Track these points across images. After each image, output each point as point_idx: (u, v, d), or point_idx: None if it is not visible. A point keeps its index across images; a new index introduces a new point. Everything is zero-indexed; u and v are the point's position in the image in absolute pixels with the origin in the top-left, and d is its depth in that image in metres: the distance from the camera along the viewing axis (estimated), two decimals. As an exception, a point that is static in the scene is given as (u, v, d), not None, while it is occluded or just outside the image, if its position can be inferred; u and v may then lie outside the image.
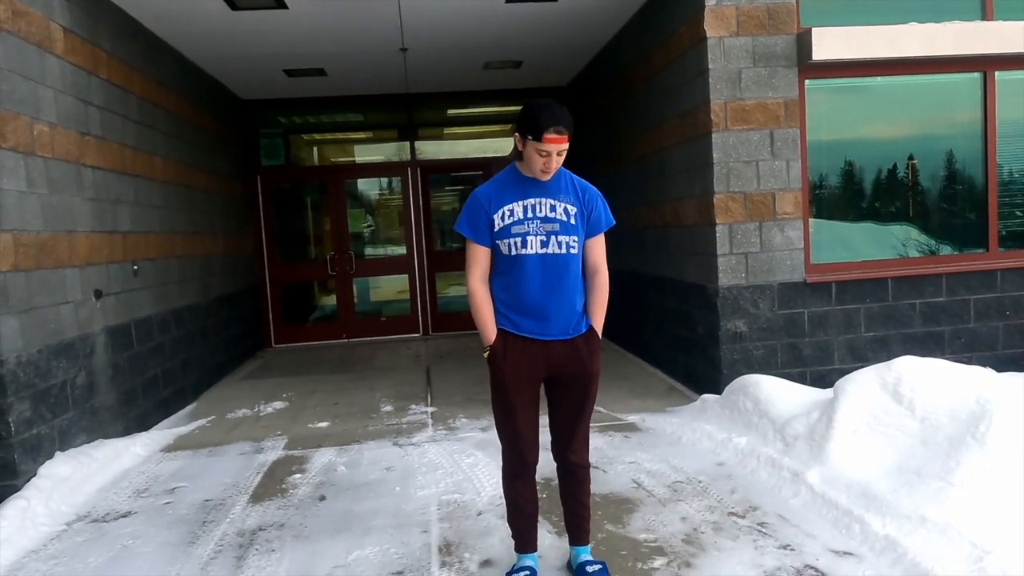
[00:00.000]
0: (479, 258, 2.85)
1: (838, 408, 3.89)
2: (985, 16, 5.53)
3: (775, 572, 2.98)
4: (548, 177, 2.76)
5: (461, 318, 10.13)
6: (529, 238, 2.78)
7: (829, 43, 5.14)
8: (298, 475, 4.48)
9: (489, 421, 5.42)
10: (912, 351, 5.19)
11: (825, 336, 5.46)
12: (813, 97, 5.45)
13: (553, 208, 2.81)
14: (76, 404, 4.75)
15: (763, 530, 3.37)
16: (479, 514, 3.72)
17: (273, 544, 3.50)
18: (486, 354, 2.85)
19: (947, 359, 3.96)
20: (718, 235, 5.32)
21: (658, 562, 3.11)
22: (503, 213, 2.79)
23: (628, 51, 7.06)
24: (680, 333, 6.14)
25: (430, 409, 5.90)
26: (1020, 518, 2.96)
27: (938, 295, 5.57)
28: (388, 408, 6.01)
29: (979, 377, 3.69)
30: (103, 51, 5.43)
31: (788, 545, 3.20)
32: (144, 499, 4.21)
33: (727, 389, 4.95)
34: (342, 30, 6.77)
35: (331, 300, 10.23)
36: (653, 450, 4.57)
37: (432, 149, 10.36)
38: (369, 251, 10.46)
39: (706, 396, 5.22)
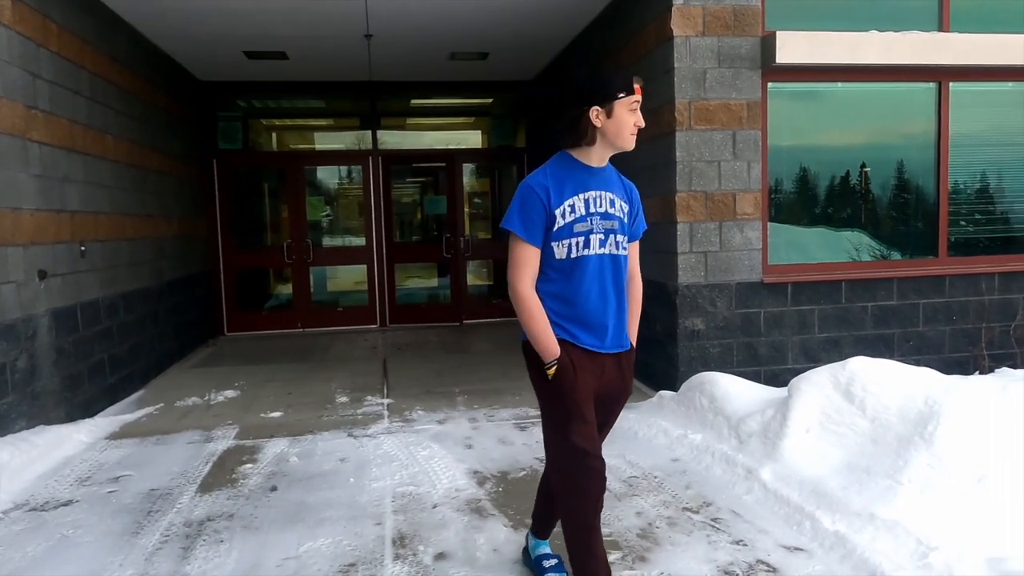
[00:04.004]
0: (530, 260, 2.48)
1: (792, 407, 3.94)
2: (942, 27, 5.67)
3: (728, 567, 3.01)
4: (633, 144, 2.49)
5: (420, 310, 10.07)
6: (592, 237, 2.47)
7: (793, 46, 5.21)
8: (249, 465, 4.38)
9: (447, 413, 5.38)
10: (863, 352, 5.30)
11: (780, 336, 5.55)
12: (775, 100, 5.52)
13: (612, 203, 2.53)
14: (16, 388, 4.57)
15: (716, 525, 3.40)
16: (434, 507, 3.68)
17: (222, 535, 3.41)
18: (551, 370, 2.46)
19: (897, 361, 4.04)
20: (679, 233, 5.36)
21: (613, 556, 3.11)
22: (564, 209, 2.45)
23: (596, 47, 7.06)
24: (640, 330, 6.16)
25: (386, 401, 5.84)
26: (964, 516, 3.04)
27: (889, 299, 5.70)
28: (344, 399, 5.92)
29: (927, 379, 3.78)
30: (54, 23, 5.23)
31: (741, 540, 3.24)
32: (87, 487, 4.07)
33: (684, 386, 4.99)
34: (305, 13, 6.63)
35: (287, 289, 10.06)
36: (610, 446, 4.54)
37: (395, 139, 10.25)
38: (327, 240, 10.30)
39: (663, 393, 5.25)
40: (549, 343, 2.47)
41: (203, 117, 9.24)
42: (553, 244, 2.46)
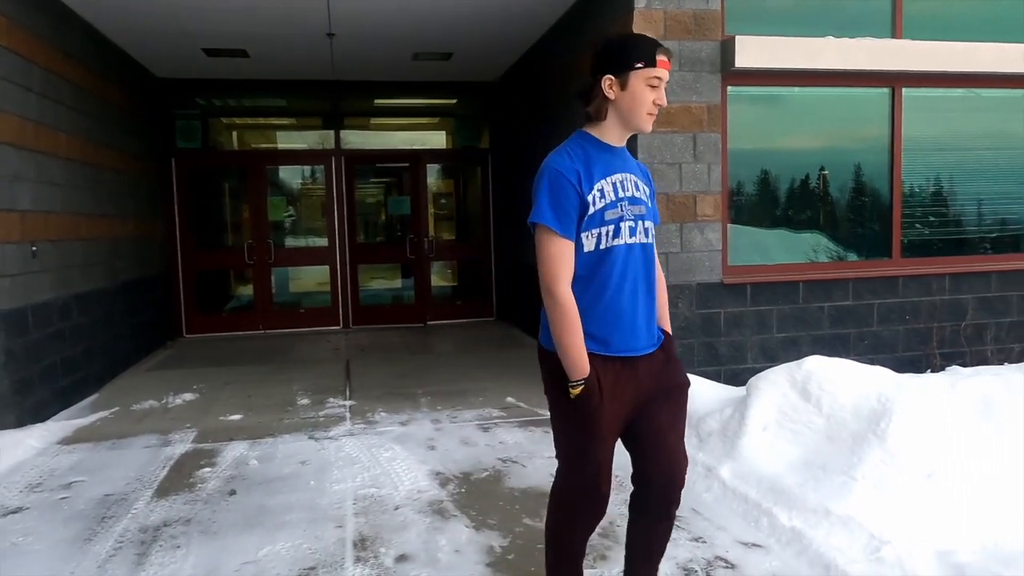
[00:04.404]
0: (567, 257, 2.18)
1: (750, 405, 4.01)
2: (895, 34, 5.81)
3: (687, 564, 3.04)
4: (650, 127, 2.26)
5: (383, 311, 10.00)
6: (622, 225, 2.22)
7: (752, 51, 5.29)
8: (207, 469, 4.31)
9: (410, 415, 5.35)
10: (820, 352, 5.40)
11: (740, 336, 5.63)
12: (735, 103, 5.60)
13: (637, 186, 2.30)
14: (-37, 392, 4.43)
15: (677, 523, 3.42)
16: (396, 508, 3.66)
17: (178, 540, 3.35)
18: (576, 390, 2.17)
19: (852, 360, 4.13)
20: (641, 234, 5.40)
21: (574, 555, 3.13)
22: (595, 194, 2.19)
23: (561, 48, 7.09)
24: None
25: (348, 403, 5.78)
26: (915, 510, 3.12)
27: (845, 299, 5.83)
28: (305, 401, 5.86)
29: (881, 377, 3.87)
30: (4, 16, 5.08)
31: (700, 537, 3.28)
32: (37, 494, 3.96)
33: (646, 386, 5.04)
34: (266, 11, 6.55)
35: (248, 290, 9.91)
36: (572, 445, 4.60)
37: (358, 139, 10.17)
38: (290, 241, 10.18)
39: (625, 392, 5.29)
40: (580, 360, 2.17)
41: (161, 115, 9.06)
42: (582, 235, 2.19)
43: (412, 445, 4.66)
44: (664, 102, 2.23)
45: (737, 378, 5.43)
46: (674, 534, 3.29)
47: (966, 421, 3.54)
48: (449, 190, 10.91)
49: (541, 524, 3.43)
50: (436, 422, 5.18)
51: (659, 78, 2.19)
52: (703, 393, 4.54)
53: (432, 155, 10.40)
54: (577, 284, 2.21)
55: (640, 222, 2.26)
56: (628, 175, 2.27)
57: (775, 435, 3.85)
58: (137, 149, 8.01)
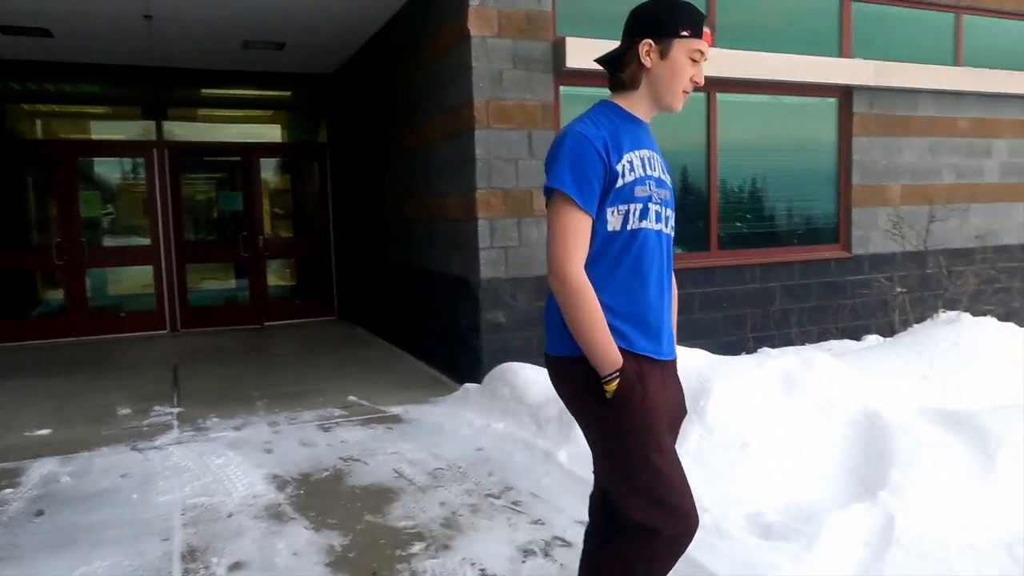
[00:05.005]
0: (584, 233, 1.86)
1: (585, 391, 4.18)
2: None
3: (527, 545, 3.14)
4: (681, 107, 2.00)
5: (216, 312, 9.47)
6: (650, 207, 1.93)
7: (582, 53, 5.51)
8: (9, 490, 3.89)
9: (245, 419, 5.12)
10: (649, 339, 5.74)
11: (576, 326, 5.85)
12: (568, 103, 5.81)
13: (664, 168, 2.04)
14: None
15: (517, 508, 3.53)
16: (230, 516, 3.49)
17: (-27, 570, 3.01)
18: (612, 385, 1.85)
19: (678, 345, 4.42)
20: (480, 230, 5.49)
21: (417, 547, 3.13)
22: (624, 166, 1.89)
23: (398, 42, 7.04)
24: (445, 325, 6.25)
25: (176, 410, 5.43)
26: (730, 479, 3.39)
27: (671, 289, 6.21)
28: (126, 411, 5.43)
29: (699, 359, 4.18)
30: None
31: (540, 520, 3.39)
32: None
33: (487, 378, 5.13)
34: (73, -13, 6.00)
35: (59, 293, 9.02)
36: (415, 440, 4.60)
37: (184, 131, 9.53)
38: (108, 240, 9.36)
39: (468, 385, 5.36)
40: (611, 348, 1.86)
41: (-54, 98, 8.05)
42: (608, 211, 1.88)
43: (247, 450, 4.45)
44: (702, 81, 1.99)
45: (574, 367, 5.65)
46: (513, 518, 3.40)
47: (773, 396, 3.89)
48: (285, 186, 10.50)
49: (383, 520, 3.42)
50: (274, 425, 4.98)
51: (702, 52, 1.95)
52: (542, 381, 4.69)
53: (266, 149, 9.96)
54: (596, 269, 1.90)
55: (665, 208, 2.01)
56: (655, 155, 2.01)
57: (608, 418, 4.05)
58: (-84, 136, 7.06)
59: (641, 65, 1.95)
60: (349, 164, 9.14)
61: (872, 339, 6.06)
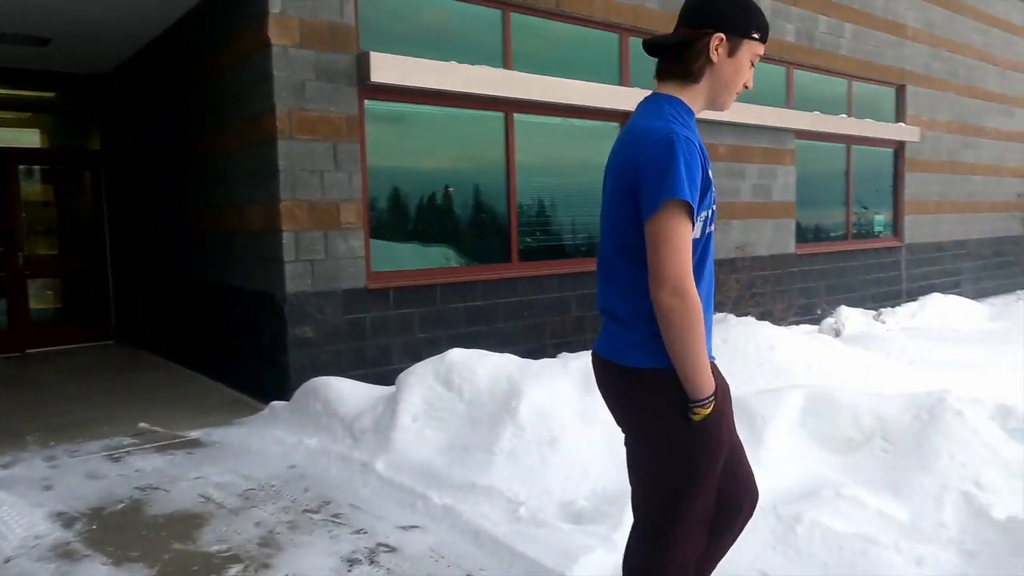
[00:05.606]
0: (689, 243, 1.77)
1: (400, 399, 4.24)
2: (506, 66, 6.62)
3: (350, 555, 3.12)
4: (729, 107, 1.97)
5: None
6: (713, 210, 1.90)
7: (386, 68, 5.58)
8: None
9: (14, 455, 4.56)
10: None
11: (385, 338, 5.88)
12: (372, 117, 5.84)
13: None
14: None
15: (337, 520, 3.49)
16: (7, 561, 3.12)
17: None
18: (707, 410, 1.80)
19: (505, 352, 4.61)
20: (285, 242, 5.34)
21: (234, 570, 3.00)
22: (709, 171, 1.86)
23: (192, 43, 6.64)
24: (246, 342, 5.97)
25: (-77, 451, 4.70)
26: (542, 473, 3.61)
27: (476, 300, 6.44)
28: None
29: (510, 363, 4.40)
30: None
31: (361, 529, 3.38)
32: None
33: (296, 394, 4.99)
34: None
35: None
36: (221, 463, 4.37)
37: (-82, 132, 8.27)
38: None
39: (275, 403, 5.18)
40: (708, 371, 1.80)
41: None
42: (696, 218, 1.81)
43: (21, 488, 3.97)
44: (752, 86, 1.98)
45: (385, 379, 5.65)
46: (335, 530, 3.37)
47: (575, 394, 4.20)
48: (48, 197, 9.40)
49: (194, 546, 3.24)
50: (51, 459, 4.48)
51: (759, 57, 1.94)
52: (355, 393, 4.67)
53: (24, 155, 8.87)
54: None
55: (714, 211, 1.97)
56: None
57: (424, 424, 4.14)
58: None
59: (708, 58, 1.88)
60: (131, 173, 8.42)
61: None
